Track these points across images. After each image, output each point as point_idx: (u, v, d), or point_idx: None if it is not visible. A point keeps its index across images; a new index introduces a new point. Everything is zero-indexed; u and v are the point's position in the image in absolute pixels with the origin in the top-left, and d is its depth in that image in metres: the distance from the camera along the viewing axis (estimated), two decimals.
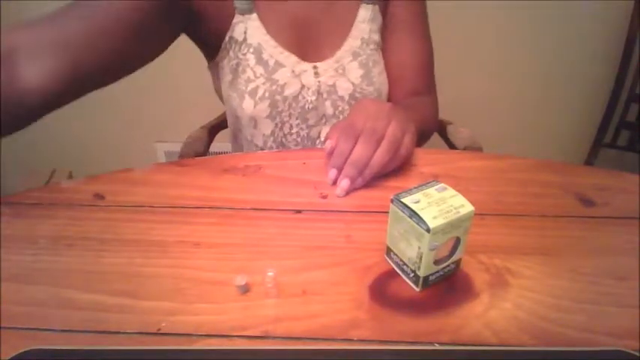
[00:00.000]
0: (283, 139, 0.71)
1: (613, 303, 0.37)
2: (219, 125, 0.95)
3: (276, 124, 0.69)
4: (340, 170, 0.51)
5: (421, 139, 0.71)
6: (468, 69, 1.46)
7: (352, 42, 0.69)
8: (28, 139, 1.58)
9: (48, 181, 1.53)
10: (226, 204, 0.49)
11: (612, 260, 0.41)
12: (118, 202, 0.50)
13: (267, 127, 0.69)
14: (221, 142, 0.96)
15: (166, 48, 0.60)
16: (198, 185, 0.53)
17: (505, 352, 0.33)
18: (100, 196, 0.51)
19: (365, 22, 0.70)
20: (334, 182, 0.52)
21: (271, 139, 0.71)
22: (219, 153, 0.71)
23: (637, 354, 0.32)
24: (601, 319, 0.36)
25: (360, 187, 0.52)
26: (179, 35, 0.63)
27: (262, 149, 0.72)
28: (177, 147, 0.94)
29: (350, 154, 0.50)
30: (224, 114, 0.97)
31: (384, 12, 0.72)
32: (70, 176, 1.59)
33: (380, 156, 0.50)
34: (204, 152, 0.87)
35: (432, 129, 0.77)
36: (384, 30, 0.73)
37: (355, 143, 0.50)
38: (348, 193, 0.51)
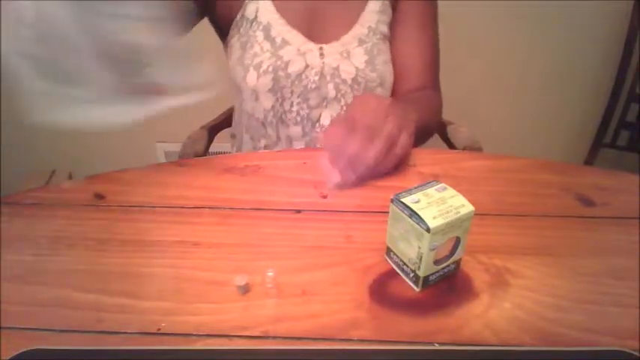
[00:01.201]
0: (283, 116, 0.72)
1: (613, 303, 0.37)
2: (219, 125, 0.95)
3: (277, 99, 0.70)
4: (335, 162, 0.51)
5: (425, 134, 0.72)
6: (468, 69, 1.45)
7: (359, 29, 0.71)
8: (28, 140, 1.58)
9: (48, 182, 1.53)
10: (226, 204, 0.49)
11: (612, 260, 0.41)
12: (118, 202, 0.50)
13: (267, 101, 0.71)
14: (221, 142, 0.96)
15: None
16: (198, 185, 0.53)
17: (505, 352, 0.33)
18: (100, 196, 0.51)
19: (374, 12, 0.71)
20: (328, 177, 0.52)
21: (271, 113, 0.72)
22: (219, 153, 0.71)
23: (637, 354, 0.32)
24: (601, 319, 0.36)
25: (354, 185, 0.51)
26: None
27: (263, 123, 0.73)
28: (177, 147, 0.94)
29: (345, 149, 0.50)
30: (224, 114, 0.97)
31: (395, 8, 0.73)
32: (70, 176, 1.59)
33: (373, 153, 0.50)
34: (204, 152, 0.87)
35: (436, 124, 0.78)
36: (394, 25, 0.74)
37: (352, 139, 0.50)
38: (340, 188, 0.51)
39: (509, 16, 1.36)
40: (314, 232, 0.45)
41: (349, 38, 0.70)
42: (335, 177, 0.50)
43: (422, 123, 0.59)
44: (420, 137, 0.71)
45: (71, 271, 0.41)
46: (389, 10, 0.73)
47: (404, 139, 0.52)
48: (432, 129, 0.76)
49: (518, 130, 1.57)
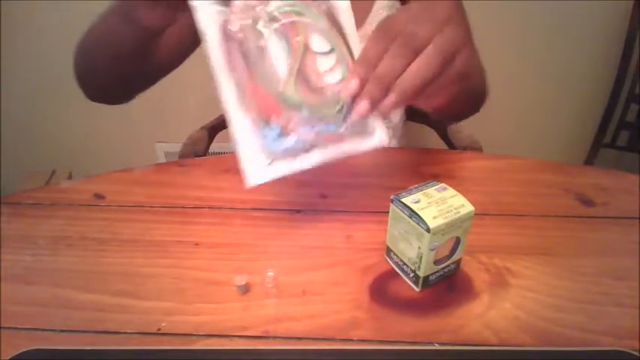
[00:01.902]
0: None
1: (613, 303, 0.37)
2: (219, 125, 0.95)
3: None
4: (363, 83, 0.37)
5: (469, 104, 0.61)
6: None
7: (368, 28, 0.70)
8: (28, 140, 1.58)
9: (48, 182, 1.53)
10: (226, 204, 0.49)
11: (612, 260, 0.41)
12: (118, 202, 0.50)
13: None
14: (221, 142, 0.96)
15: None
16: (198, 185, 0.53)
17: (505, 352, 0.33)
18: (100, 196, 0.51)
19: (382, 10, 0.70)
20: (354, 96, 0.37)
21: None
22: (219, 153, 0.71)
23: (637, 354, 0.32)
24: (601, 319, 0.36)
25: (388, 112, 0.38)
26: None
27: None
28: (177, 147, 0.94)
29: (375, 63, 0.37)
30: (224, 114, 0.98)
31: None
32: (70, 176, 1.59)
33: (415, 71, 0.35)
34: (204, 152, 0.87)
35: (482, 90, 0.66)
36: None
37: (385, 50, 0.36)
38: (367, 115, 0.37)
39: (509, 16, 1.36)
40: (314, 232, 0.45)
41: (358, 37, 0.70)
42: (362, 105, 0.36)
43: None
44: (467, 99, 0.58)
45: (71, 271, 0.41)
46: (398, 5, 0.73)
47: (461, 60, 0.37)
48: (474, 97, 0.63)
49: (518, 130, 1.57)
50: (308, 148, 0.38)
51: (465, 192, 0.37)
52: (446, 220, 0.35)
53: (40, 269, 0.41)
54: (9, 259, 0.42)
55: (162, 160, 1.63)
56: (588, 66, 1.44)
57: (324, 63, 0.37)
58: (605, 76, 1.42)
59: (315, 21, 0.36)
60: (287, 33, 0.36)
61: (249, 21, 0.36)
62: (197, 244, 0.44)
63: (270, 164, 0.38)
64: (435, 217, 0.35)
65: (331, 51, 0.37)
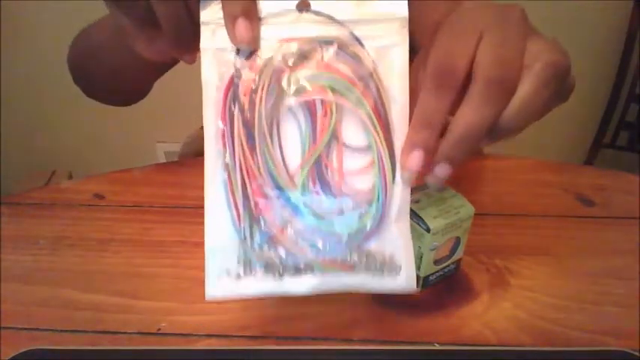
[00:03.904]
0: None
1: (613, 303, 0.37)
2: None
3: None
4: (430, 151, 0.26)
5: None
6: None
7: None
8: (27, 140, 1.58)
9: (48, 182, 1.53)
10: None
11: (612, 260, 0.41)
12: (118, 202, 0.50)
13: None
14: None
15: None
16: (198, 185, 0.52)
17: (505, 352, 0.33)
18: (100, 196, 0.51)
19: None
20: (420, 169, 0.27)
21: None
22: None
23: (637, 354, 0.32)
24: (601, 319, 0.36)
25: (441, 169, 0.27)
26: None
27: None
28: (177, 147, 0.94)
29: (444, 118, 0.26)
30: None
31: None
32: (70, 176, 1.59)
33: (515, 113, 0.25)
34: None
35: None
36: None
37: (455, 97, 0.25)
38: (416, 176, 0.27)
39: None
40: None
41: None
42: (441, 171, 0.27)
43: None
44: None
45: (71, 271, 0.41)
46: None
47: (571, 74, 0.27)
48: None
49: None
50: (300, 270, 0.28)
51: (465, 192, 0.37)
52: (446, 220, 0.35)
53: (40, 269, 0.41)
54: (9, 259, 0.42)
55: (163, 160, 1.63)
56: (588, 66, 1.44)
57: (354, 161, 0.28)
58: (605, 76, 1.42)
59: (356, 107, 0.27)
60: (313, 111, 0.27)
61: (269, 83, 0.27)
62: (197, 244, 0.44)
63: (242, 277, 0.28)
64: (435, 217, 0.35)
65: (367, 148, 0.28)
